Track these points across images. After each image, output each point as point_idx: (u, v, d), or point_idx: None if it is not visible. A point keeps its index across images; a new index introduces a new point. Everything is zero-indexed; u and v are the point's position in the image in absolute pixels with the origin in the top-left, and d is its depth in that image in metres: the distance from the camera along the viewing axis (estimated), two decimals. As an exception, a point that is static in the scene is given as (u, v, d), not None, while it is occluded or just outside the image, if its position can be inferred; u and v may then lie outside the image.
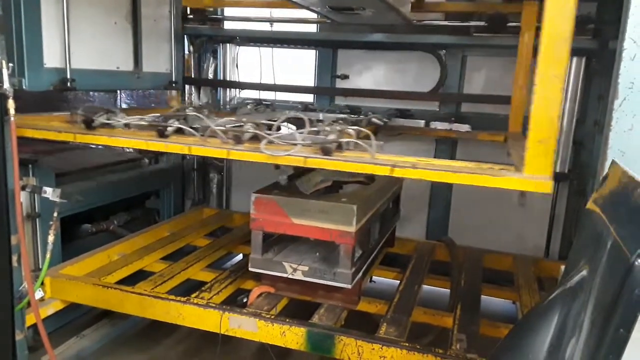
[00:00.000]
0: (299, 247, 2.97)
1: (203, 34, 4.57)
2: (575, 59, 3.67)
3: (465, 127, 3.92)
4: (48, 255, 2.72)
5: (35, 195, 2.89)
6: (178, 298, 2.68)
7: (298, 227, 2.69)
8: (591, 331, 1.11)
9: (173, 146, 2.42)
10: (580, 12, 3.50)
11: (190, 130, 2.54)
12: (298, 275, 2.72)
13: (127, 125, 2.70)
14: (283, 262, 2.75)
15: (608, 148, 1.56)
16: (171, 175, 4.41)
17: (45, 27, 2.95)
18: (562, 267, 1.66)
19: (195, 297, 2.74)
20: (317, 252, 2.87)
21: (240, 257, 3.94)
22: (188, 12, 4.67)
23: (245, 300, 2.83)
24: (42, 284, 2.82)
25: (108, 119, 2.71)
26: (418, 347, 2.30)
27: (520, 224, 4.13)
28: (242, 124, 2.51)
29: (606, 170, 1.53)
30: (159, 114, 2.88)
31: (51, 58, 3.02)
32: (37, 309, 2.62)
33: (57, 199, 2.70)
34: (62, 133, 2.59)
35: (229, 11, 4.75)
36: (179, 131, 2.58)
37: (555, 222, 4.07)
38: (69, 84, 3.11)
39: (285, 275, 2.74)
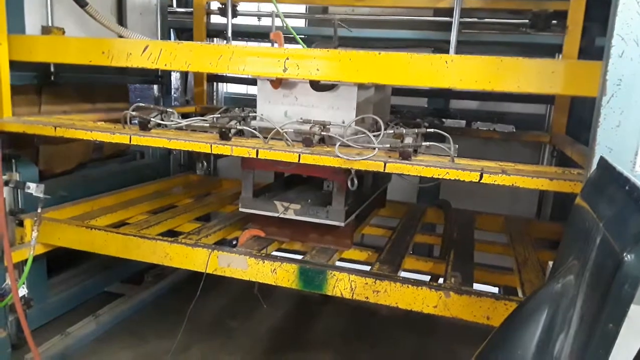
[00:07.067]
0: (289, 195, 2.93)
1: (189, 27, 4.52)
2: (562, 56, 3.71)
3: (509, 128, 3.82)
4: (32, 252, 2.68)
5: (19, 190, 2.84)
6: (165, 238, 2.62)
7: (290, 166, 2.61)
8: (580, 326, 1.12)
9: (239, 149, 2.34)
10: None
11: (253, 131, 2.50)
12: (290, 214, 2.65)
13: (180, 127, 2.65)
14: (275, 201, 2.70)
15: (596, 144, 1.57)
16: (157, 170, 4.36)
17: (28, 18, 2.89)
18: (550, 263, 1.67)
19: (183, 238, 2.69)
20: (309, 199, 2.81)
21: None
22: (174, 4, 4.62)
23: (234, 244, 2.78)
24: (25, 282, 2.78)
25: (162, 119, 2.67)
26: (412, 280, 2.27)
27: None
28: (309, 125, 2.44)
29: (594, 166, 1.54)
30: (213, 114, 2.81)
31: (34, 51, 2.96)
32: (20, 306, 2.58)
33: (41, 195, 2.66)
34: (117, 135, 2.53)
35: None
36: (240, 133, 2.54)
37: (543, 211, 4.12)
38: (52, 78, 3.06)
39: (276, 214, 2.68)
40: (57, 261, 3.21)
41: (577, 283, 1.20)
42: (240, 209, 2.79)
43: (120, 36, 3.24)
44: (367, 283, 2.29)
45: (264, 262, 2.43)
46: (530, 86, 2.06)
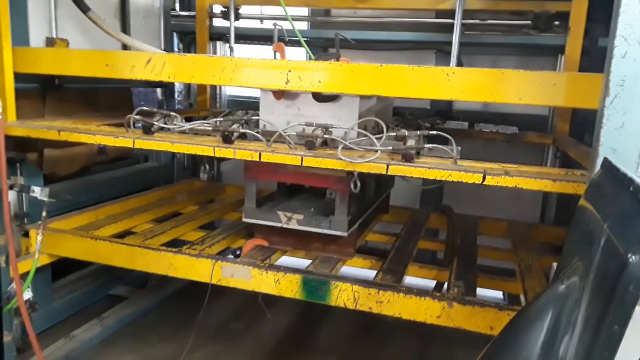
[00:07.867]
0: (292, 203, 2.93)
1: (192, 31, 4.53)
2: (564, 57, 3.71)
3: (512, 129, 3.80)
4: (36, 256, 2.69)
5: (23, 194, 2.85)
6: (169, 249, 2.64)
7: (293, 175, 2.65)
8: (585, 328, 1.11)
9: (241, 152, 2.34)
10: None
11: (256, 135, 2.50)
12: (293, 225, 2.66)
13: (183, 130, 2.66)
14: (277, 211, 2.70)
15: (599, 145, 1.56)
16: (161, 173, 4.37)
17: (32, 23, 2.91)
18: (554, 265, 1.67)
19: (187, 248, 2.70)
20: (312, 208, 2.82)
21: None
22: (177, 8, 4.63)
23: (238, 254, 2.78)
24: (30, 285, 2.79)
25: (166, 123, 2.68)
26: (415, 290, 2.26)
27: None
28: (311, 128, 2.45)
29: (598, 167, 1.54)
30: (216, 117, 2.79)
31: (38, 55, 2.98)
32: (25, 310, 2.59)
33: (46, 198, 2.67)
34: (120, 138, 2.53)
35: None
36: (242, 136, 2.54)
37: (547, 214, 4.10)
38: (56, 82, 3.08)
39: (279, 224, 2.68)
40: (62, 265, 3.21)
41: (582, 284, 1.20)
42: (244, 219, 2.80)
43: (124, 44, 3.25)
44: (370, 293, 2.29)
45: (267, 273, 2.44)
46: (531, 98, 2.06)
